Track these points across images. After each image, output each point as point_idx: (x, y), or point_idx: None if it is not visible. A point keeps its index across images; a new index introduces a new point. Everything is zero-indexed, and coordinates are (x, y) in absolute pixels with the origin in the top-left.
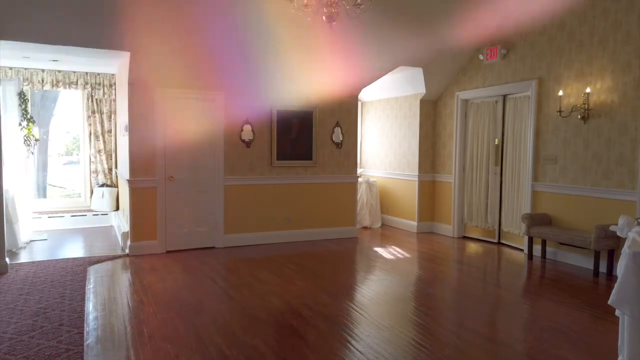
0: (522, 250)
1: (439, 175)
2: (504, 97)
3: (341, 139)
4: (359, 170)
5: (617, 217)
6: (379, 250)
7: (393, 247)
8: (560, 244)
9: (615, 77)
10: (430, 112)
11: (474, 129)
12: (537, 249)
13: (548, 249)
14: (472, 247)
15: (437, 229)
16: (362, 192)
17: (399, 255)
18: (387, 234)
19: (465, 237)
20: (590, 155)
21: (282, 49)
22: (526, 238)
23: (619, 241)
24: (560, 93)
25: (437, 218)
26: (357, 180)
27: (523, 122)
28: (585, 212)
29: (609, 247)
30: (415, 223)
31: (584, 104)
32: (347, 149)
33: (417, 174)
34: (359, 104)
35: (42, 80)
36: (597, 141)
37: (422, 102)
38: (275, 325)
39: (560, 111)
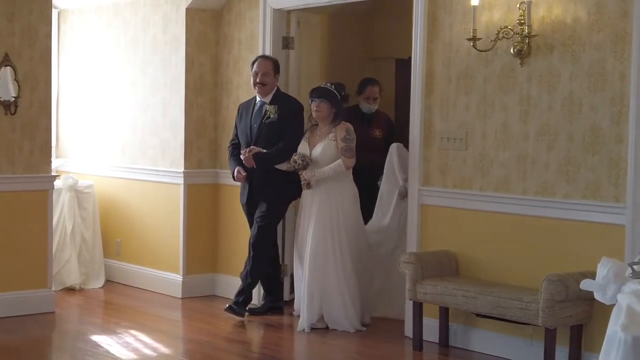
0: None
1: (226, 172)
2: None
3: (14, 93)
4: (54, 164)
5: (588, 256)
6: (103, 339)
7: (132, 331)
8: (478, 315)
9: None
10: (210, 35)
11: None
12: (431, 327)
13: (454, 325)
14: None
15: (222, 286)
16: (62, 210)
17: (147, 351)
18: (118, 302)
19: None
20: (534, 130)
21: None
22: (409, 305)
23: (596, 308)
24: (475, 2)
25: (221, 264)
26: (53, 185)
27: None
28: (527, 248)
29: (576, 319)
30: (179, 277)
31: (522, 24)
32: (26, 115)
33: (183, 170)
34: (55, 14)
35: None
36: (548, 100)
37: (190, 12)
38: None
39: (474, 39)
